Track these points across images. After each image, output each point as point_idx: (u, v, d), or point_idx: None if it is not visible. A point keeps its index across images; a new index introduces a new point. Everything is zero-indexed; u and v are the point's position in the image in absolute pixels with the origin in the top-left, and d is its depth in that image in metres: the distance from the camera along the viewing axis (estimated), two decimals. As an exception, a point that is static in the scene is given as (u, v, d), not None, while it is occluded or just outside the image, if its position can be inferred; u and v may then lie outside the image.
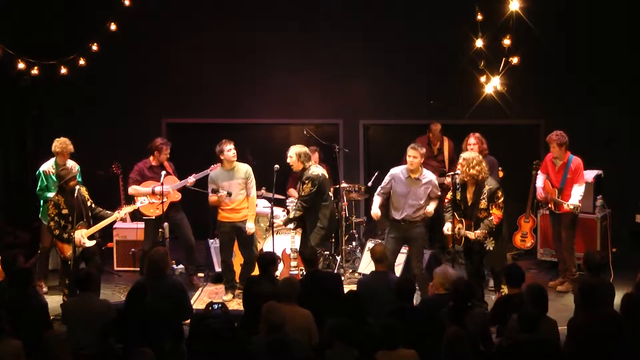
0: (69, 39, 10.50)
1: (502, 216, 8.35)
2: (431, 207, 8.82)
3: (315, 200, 8.94)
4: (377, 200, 8.97)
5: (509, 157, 10.66)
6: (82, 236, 8.63)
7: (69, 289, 8.66)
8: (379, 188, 9.04)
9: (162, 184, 9.31)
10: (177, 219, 9.67)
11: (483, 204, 8.32)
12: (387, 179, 8.92)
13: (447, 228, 8.48)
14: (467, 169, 8.32)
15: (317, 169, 9.03)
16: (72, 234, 8.54)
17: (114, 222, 9.50)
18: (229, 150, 9.08)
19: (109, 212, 8.96)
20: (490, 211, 8.30)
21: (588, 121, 10.89)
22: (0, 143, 11.29)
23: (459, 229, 8.40)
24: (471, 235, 8.28)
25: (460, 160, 8.44)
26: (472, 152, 8.70)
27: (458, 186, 8.46)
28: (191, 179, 9.61)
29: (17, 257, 8.04)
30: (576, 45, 10.96)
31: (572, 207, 9.04)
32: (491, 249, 8.34)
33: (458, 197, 8.45)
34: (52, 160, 9.48)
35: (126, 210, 9.21)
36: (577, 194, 9.15)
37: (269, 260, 7.64)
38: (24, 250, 10.08)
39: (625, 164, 10.93)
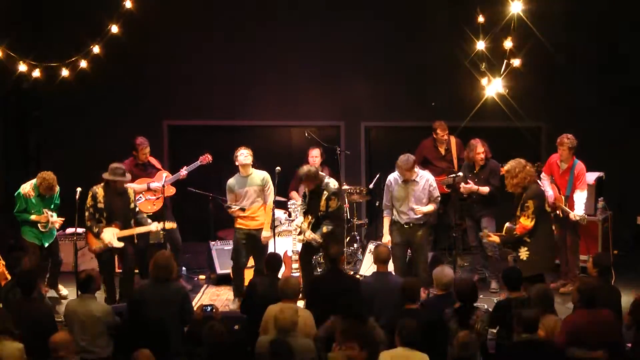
0: (70, 41, 10.48)
1: (529, 228, 8.05)
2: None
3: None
4: (386, 222, 8.98)
5: (510, 159, 10.62)
6: (113, 235, 8.63)
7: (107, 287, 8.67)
8: (384, 205, 9.03)
9: (163, 186, 9.32)
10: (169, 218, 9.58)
11: (519, 211, 8.17)
12: (385, 189, 8.97)
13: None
14: (511, 180, 8.21)
15: (333, 181, 8.83)
16: (101, 230, 8.56)
17: None
18: (240, 154, 8.94)
19: (150, 220, 8.94)
20: (518, 220, 8.14)
21: (589, 123, 10.87)
22: (1, 145, 11.27)
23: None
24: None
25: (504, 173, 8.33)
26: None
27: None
28: (183, 172, 9.61)
29: (21, 260, 8.05)
30: (578, 47, 10.96)
31: (578, 217, 9.04)
32: (524, 258, 8.12)
33: None
34: (33, 182, 9.19)
35: (168, 225, 9.02)
36: (580, 202, 9.11)
37: (276, 261, 7.69)
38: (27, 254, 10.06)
39: (626, 166, 10.93)
